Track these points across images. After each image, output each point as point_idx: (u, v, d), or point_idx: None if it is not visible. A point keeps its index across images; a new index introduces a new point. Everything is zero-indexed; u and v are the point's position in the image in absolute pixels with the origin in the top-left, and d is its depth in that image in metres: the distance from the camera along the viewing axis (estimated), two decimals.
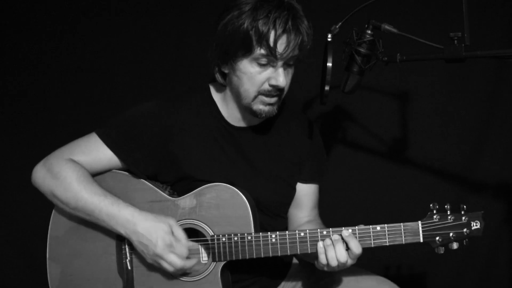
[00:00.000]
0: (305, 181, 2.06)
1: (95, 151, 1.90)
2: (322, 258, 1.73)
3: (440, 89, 2.52)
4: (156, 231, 1.78)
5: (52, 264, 1.93)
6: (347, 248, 1.72)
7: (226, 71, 1.87)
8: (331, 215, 2.41)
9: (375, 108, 2.56)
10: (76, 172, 1.85)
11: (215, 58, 1.86)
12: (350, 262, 1.73)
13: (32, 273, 2.68)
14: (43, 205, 1.94)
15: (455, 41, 1.64)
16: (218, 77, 1.89)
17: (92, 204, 1.82)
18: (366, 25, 1.77)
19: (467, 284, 2.53)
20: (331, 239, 1.73)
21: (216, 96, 1.97)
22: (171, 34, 2.65)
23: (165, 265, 1.79)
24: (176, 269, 1.79)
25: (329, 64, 1.72)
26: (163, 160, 1.91)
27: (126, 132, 1.90)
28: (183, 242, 1.79)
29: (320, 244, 1.73)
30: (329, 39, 1.75)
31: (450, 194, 2.51)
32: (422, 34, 1.69)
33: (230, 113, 1.94)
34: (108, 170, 1.93)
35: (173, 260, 1.78)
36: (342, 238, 1.73)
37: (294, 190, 2.05)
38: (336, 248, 1.71)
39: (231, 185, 1.85)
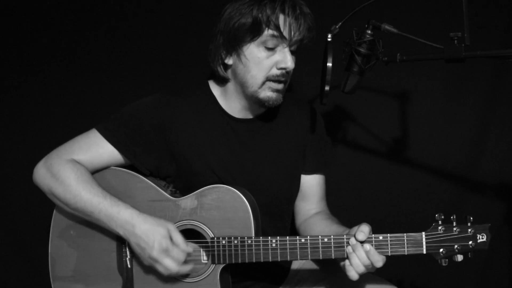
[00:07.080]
0: (309, 172, 2.05)
1: (95, 147, 1.90)
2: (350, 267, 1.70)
3: (440, 89, 2.52)
4: (154, 234, 1.77)
5: (53, 261, 1.94)
6: None
7: (230, 63, 1.87)
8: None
9: (375, 108, 2.56)
10: (75, 173, 1.84)
11: (218, 49, 1.87)
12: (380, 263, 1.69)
13: (32, 273, 2.68)
14: (43, 204, 1.94)
15: (455, 41, 1.64)
16: (220, 70, 1.89)
17: (92, 206, 1.81)
18: (366, 25, 1.77)
19: (467, 284, 2.53)
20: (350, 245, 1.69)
21: (215, 91, 1.97)
22: (170, 33, 2.65)
23: (161, 268, 1.79)
24: (171, 273, 1.79)
25: (329, 64, 1.72)
26: (164, 153, 1.91)
27: (126, 126, 1.90)
28: (181, 247, 1.78)
29: (349, 248, 1.69)
30: (329, 39, 1.75)
31: (450, 194, 2.51)
32: (422, 34, 1.68)
33: (231, 105, 1.95)
34: (110, 166, 1.93)
35: (169, 264, 1.77)
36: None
37: (298, 182, 2.03)
38: (357, 253, 1.68)
39: (231, 179, 1.84)
